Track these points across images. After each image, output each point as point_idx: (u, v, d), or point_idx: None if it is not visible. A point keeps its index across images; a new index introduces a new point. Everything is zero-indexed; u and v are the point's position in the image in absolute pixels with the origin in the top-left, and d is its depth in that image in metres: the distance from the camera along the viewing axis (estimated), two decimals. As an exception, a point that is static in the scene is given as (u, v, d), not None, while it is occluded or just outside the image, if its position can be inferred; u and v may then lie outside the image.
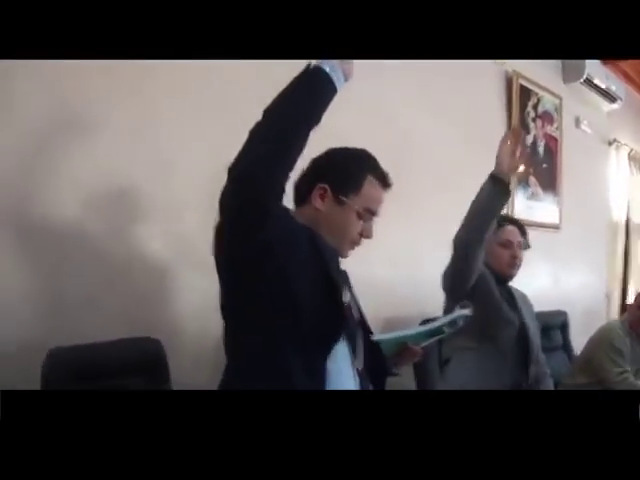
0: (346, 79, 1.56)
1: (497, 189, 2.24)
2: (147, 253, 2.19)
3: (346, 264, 1.79)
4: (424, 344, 1.88)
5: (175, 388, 1.99)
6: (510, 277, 2.71)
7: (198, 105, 2.33)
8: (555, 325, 3.97)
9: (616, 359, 3.49)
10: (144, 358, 1.98)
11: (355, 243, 1.74)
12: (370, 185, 1.71)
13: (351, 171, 1.71)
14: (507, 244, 2.67)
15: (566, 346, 4.02)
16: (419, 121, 3.36)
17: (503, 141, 2.26)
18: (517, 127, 2.33)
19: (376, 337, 1.76)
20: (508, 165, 2.24)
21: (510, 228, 2.72)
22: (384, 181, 1.75)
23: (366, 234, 1.74)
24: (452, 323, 1.85)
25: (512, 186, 2.38)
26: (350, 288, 1.83)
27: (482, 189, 2.27)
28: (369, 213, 1.72)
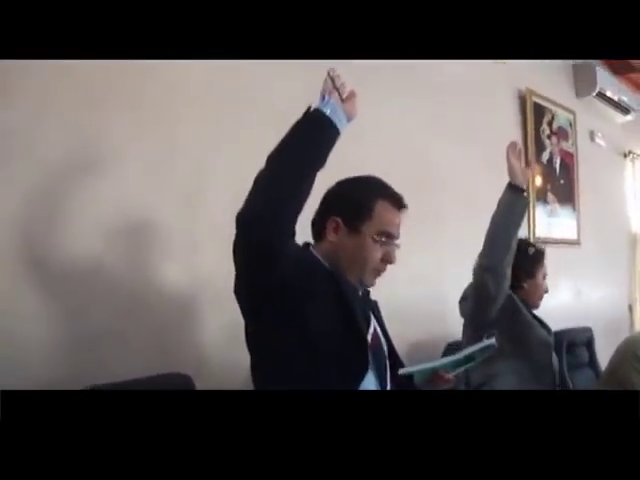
0: (349, 119, 1.57)
1: (515, 197, 2.29)
2: (172, 287, 2.20)
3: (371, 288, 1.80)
4: (455, 372, 1.87)
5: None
6: (538, 307, 2.70)
7: (218, 136, 2.35)
8: (581, 342, 3.93)
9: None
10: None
11: (379, 270, 1.72)
12: (382, 209, 1.68)
13: (360, 199, 1.69)
14: (545, 276, 2.68)
15: (592, 363, 3.98)
16: (436, 143, 3.37)
17: (509, 154, 2.33)
18: (512, 142, 2.40)
19: (406, 370, 1.75)
20: (520, 174, 2.31)
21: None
22: (397, 203, 1.72)
23: (388, 259, 1.71)
24: (482, 351, 1.84)
25: (529, 197, 2.41)
26: (379, 318, 1.83)
27: (500, 201, 2.31)
28: (387, 237, 1.69)
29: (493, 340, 1.83)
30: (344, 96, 1.55)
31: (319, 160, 1.49)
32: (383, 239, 1.68)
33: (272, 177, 1.45)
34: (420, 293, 3.15)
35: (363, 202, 1.68)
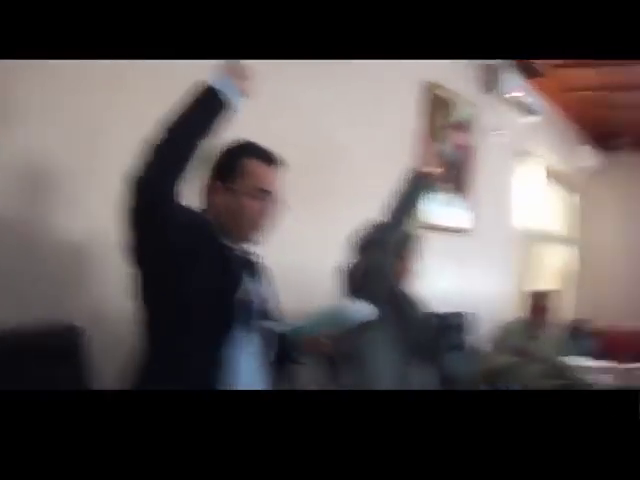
0: (244, 95, 1.69)
1: (417, 182, 2.49)
2: (70, 238, 2.23)
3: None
4: (319, 333, 1.98)
5: (95, 376, 2.06)
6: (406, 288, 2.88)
7: (120, 96, 2.36)
8: (454, 325, 4.19)
9: (513, 357, 3.76)
10: (64, 344, 2.05)
11: (258, 224, 1.85)
12: (254, 165, 1.83)
13: (231, 159, 1.84)
14: (415, 260, 2.84)
15: (464, 346, 4.24)
16: (341, 128, 3.49)
17: (419, 142, 2.49)
18: (428, 131, 2.58)
19: (271, 325, 1.89)
20: (426, 161, 2.54)
21: None
22: (268, 159, 1.86)
23: (265, 212, 1.85)
24: (345, 315, 1.93)
25: (430, 184, 2.59)
26: (262, 280, 1.97)
27: (403, 183, 2.49)
28: (262, 192, 1.83)
29: (361, 306, 1.97)
30: (242, 75, 1.67)
31: (206, 131, 1.62)
32: (257, 194, 1.82)
33: (161, 144, 1.56)
34: (311, 264, 3.25)
35: (234, 162, 1.83)
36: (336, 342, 2.05)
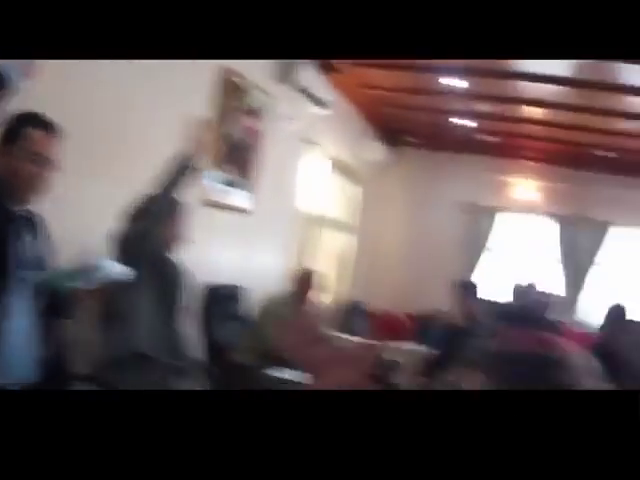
0: (27, 77, 1.85)
1: (189, 159, 2.75)
2: None
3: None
4: (82, 288, 2.14)
5: None
6: (172, 251, 3.12)
7: None
8: (228, 296, 4.50)
9: (273, 325, 4.12)
10: None
11: (33, 186, 2.05)
12: (33, 133, 2.04)
13: (14, 126, 2.04)
14: (181, 227, 3.07)
15: (238, 316, 4.56)
16: (132, 105, 3.62)
17: (200, 124, 2.83)
18: (203, 119, 2.85)
19: (34, 275, 2.05)
20: (202, 142, 2.81)
21: None
22: (46, 127, 2.07)
23: (39, 176, 2.04)
24: (98, 273, 2.10)
25: (200, 166, 2.84)
26: (39, 238, 2.14)
27: (177, 160, 2.74)
28: (38, 156, 2.03)
29: (114, 266, 2.18)
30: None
31: None
32: (34, 159, 2.02)
33: None
34: (88, 227, 3.31)
35: (16, 129, 2.03)
36: (99, 297, 2.27)
